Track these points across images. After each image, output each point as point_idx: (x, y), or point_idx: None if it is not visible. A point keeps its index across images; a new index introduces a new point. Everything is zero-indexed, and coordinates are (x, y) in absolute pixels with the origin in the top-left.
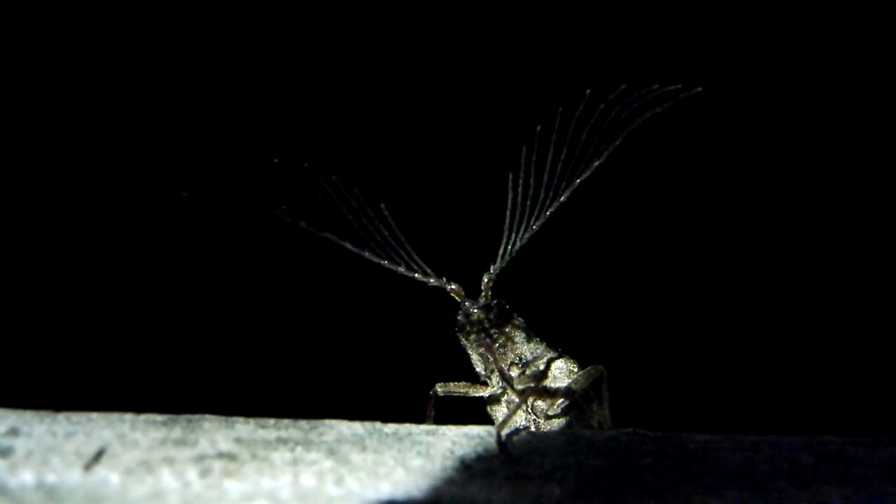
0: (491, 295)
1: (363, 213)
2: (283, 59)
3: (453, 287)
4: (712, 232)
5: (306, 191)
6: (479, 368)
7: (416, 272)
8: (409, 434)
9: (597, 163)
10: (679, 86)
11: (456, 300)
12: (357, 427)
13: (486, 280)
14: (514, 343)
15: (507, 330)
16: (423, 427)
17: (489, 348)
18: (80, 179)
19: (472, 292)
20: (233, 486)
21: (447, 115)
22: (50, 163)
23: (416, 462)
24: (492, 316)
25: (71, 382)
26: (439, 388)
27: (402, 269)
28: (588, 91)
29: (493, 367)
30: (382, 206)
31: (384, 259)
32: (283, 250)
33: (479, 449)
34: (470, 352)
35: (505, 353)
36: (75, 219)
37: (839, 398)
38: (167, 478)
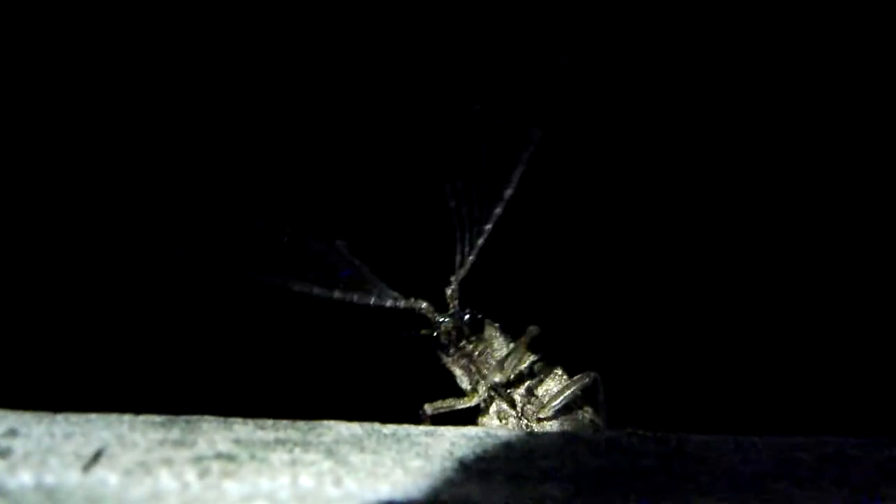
0: (459, 305)
1: (324, 255)
2: (213, 98)
3: (422, 305)
4: (711, 229)
5: (266, 247)
6: (465, 385)
7: (386, 299)
8: (408, 435)
9: (532, 149)
10: (580, 54)
11: (427, 317)
12: (356, 428)
13: (449, 292)
14: (493, 349)
15: (483, 336)
16: (422, 428)
17: (469, 357)
18: (79, 181)
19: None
20: (231, 487)
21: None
22: (51, 164)
23: (415, 463)
24: (462, 324)
25: (69, 383)
26: (428, 408)
27: (372, 300)
28: (499, 84)
29: (478, 376)
30: (340, 242)
31: (354, 295)
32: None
33: (478, 450)
34: (452, 368)
35: (486, 360)
36: (74, 219)
37: (839, 398)
38: (166, 479)
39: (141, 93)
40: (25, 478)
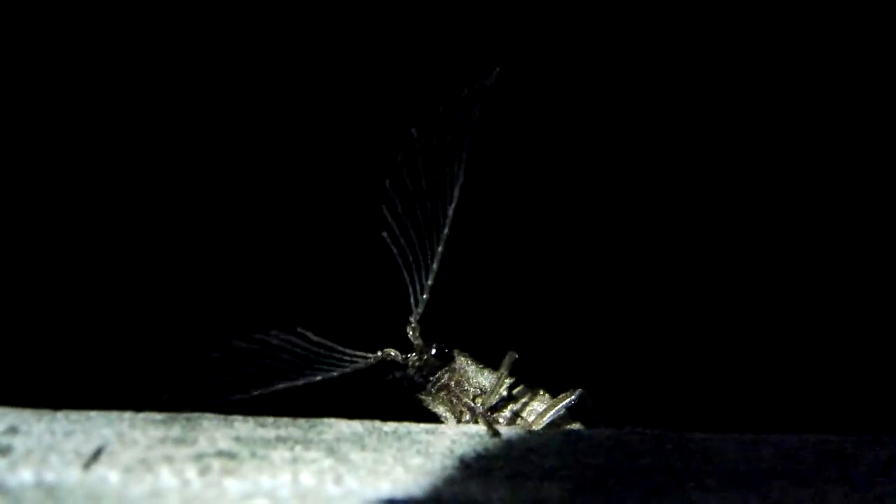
0: (423, 341)
1: (290, 346)
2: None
3: (391, 353)
4: (712, 228)
5: (238, 362)
6: (449, 422)
7: (358, 363)
8: (409, 432)
9: (458, 184)
10: (485, 80)
11: (398, 362)
12: (356, 425)
13: (410, 332)
14: (468, 377)
15: (456, 367)
16: (423, 426)
17: (447, 388)
18: (81, 181)
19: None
20: (232, 485)
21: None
22: (54, 162)
23: (416, 461)
24: (431, 358)
25: (70, 381)
26: None
27: (348, 369)
28: (413, 130)
29: (460, 406)
30: (300, 329)
31: (331, 372)
32: (281, 247)
33: (479, 448)
34: (434, 408)
35: (464, 388)
36: (74, 216)
37: (839, 396)
38: (166, 476)
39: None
40: (26, 475)
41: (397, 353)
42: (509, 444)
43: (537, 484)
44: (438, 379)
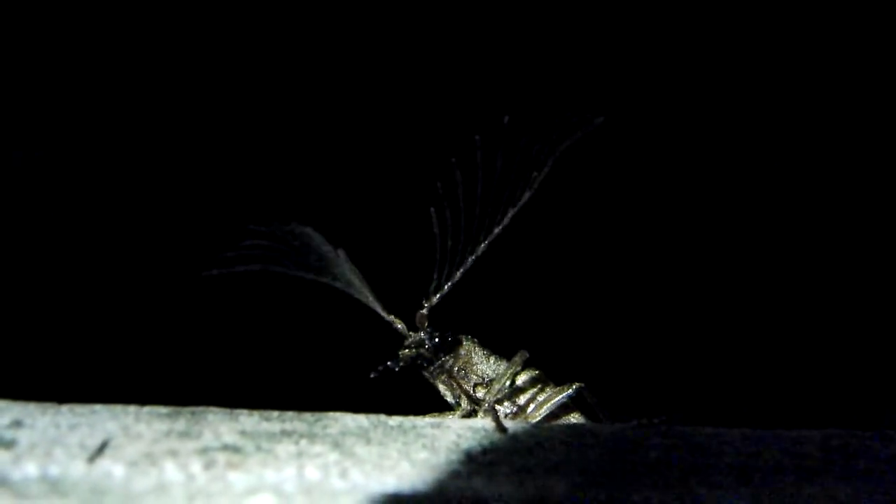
0: (428, 326)
1: (328, 253)
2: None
3: (397, 324)
4: (717, 224)
5: (289, 247)
6: (449, 398)
7: (372, 303)
8: (414, 427)
9: (528, 194)
10: (593, 116)
11: (401, 334)
12: (362, 420)
13: (418, 317)
14: (472, 365)
15: (461, 352)
16: (428, 420)
17: (449, 373)
18: (83, 179)
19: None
20: (237, 479)
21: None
22: (55, 164)
23: (421, 455)
24: (429, 348)
25: (75, 374)
26: None
27: (356, 296)
28: (506, 118)
29: (460, 391)
30: (341, 250)
31: (336, 283)
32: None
33: (484, 442)
34: (434, 384)
35: (467, 376)
36: (77, 212)
37: (845, 392)
38: (171, 470)
39: (141, 97)
40: (30, 469)
41: (404, 326)
42: (514, 439)
43: (542, 478)
44: (442, 364)
